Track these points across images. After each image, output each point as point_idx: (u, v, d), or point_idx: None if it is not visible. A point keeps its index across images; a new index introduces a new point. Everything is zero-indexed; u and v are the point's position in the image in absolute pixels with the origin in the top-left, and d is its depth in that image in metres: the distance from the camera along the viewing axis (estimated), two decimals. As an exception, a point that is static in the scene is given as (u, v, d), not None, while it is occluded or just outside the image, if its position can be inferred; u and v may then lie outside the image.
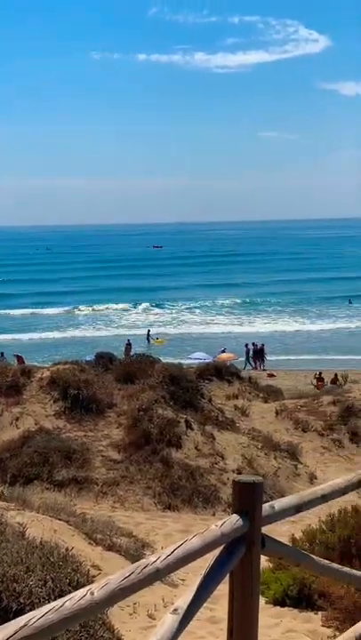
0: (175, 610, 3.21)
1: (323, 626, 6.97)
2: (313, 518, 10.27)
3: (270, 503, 4.13)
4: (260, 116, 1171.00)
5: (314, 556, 4.61)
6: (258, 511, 3.88)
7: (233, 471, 13.95)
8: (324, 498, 4.55)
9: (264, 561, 7.49)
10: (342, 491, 4.81)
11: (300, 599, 7.60)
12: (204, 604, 3.60)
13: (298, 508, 4.31)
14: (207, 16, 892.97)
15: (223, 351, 46.44)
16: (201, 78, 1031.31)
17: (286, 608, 7.59)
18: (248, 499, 3.86)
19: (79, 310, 76.18)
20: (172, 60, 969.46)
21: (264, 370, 44.42)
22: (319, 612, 7.25)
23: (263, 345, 47.36)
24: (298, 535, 9.22)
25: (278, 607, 7.66)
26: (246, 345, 47.27)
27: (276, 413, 18.44)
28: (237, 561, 3.70)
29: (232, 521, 3.65)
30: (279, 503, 4.18)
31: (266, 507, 4.03)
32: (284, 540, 9.76)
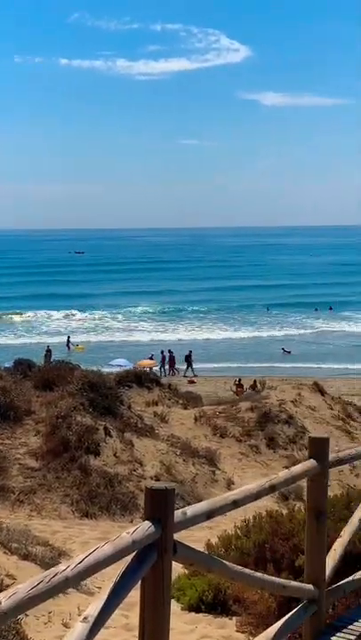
0: (85, 618, 3.20)
1: (237, 631, 7.05)
2: (229, 524, 10.39)
3: (182, 509, 4.17)
4: (182, 123, 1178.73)
5: (226, 562, 4.67)
6: (170, 518, 3.91)
7: (151, 478, 13.97)
8: (236, 503, 4.61)
9: (180, 567, 7.55)
10: (254, 496, 4.88)
11: (216, 605, 7.67)
12: (120, 612, 3.61)
13: (209, 514, 4.35)
14: (129, 23, 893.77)
15: (151, 357, 46.85)
16: (123, 85, 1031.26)
17: (202, 614, 7.64)
18: (160, 505, 3.88)
19: (-1, 317, 75.08)
20: (94, 65, 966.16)
21: (195, 376, 45.20)
22: (234, 618, 7.33)
23: (190, 352, 47.98)
24: (214, 541, 9.31)
25: (194, 613, 7.71)
26: (162, 352, 47.74)
27: (195, 420, 18.57)
28: (149, 568, 3.72)
29: (144, 528, 3.66)
30: (191, 509, 4.22)
31: (178, 513, 4.06)
32: (201, 545, 9.86)
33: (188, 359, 47.12)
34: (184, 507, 4.29)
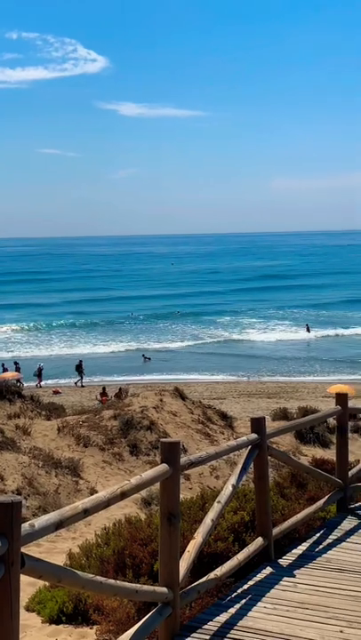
0: None
1: (97, 639, 7.06)
2: (93, 533, 10.38)
3: (30, 522, 4.15)
4: (40, 133, 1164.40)
5: (77, 571, 4.67)
6: (16, 531, 3.89)
7: (13, 492, 13.71)
8: (87, 512, 4.63)
9: (39, 580, 7.47)
10: (106, 503, 4.91)
11: (76, 615, 7.64)
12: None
13: (59, 525, 4.35)
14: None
15: (17, 369, 46.52)
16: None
17: (62, 625, 7.60)
18: (5, 519, 3.85)
19: None
20: None
21: (82, 386, 45.42)
22: (94, 626, 7.33)
23: (81, 361, 48.37)
24: (76, 551, 9.28)
25: (54, 625, 7.65)
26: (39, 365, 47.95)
27: (59, 430, 18.37)
28: (-5, 582, 3.68)
29: (-13, 543, 3.63)
30: (39, 521, 4.21)
31: (25, 526, 4.04)
32: (63, 557, 9.79)
33: (79, 368, 47.40)
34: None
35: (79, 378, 47.40)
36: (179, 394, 21.57)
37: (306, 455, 19.64)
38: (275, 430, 8.16)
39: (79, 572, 4.64)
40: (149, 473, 5.55)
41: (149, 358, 57.26)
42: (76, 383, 47.10)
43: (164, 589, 5.56)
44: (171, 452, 5.77)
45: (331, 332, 71.31)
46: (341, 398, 9.24)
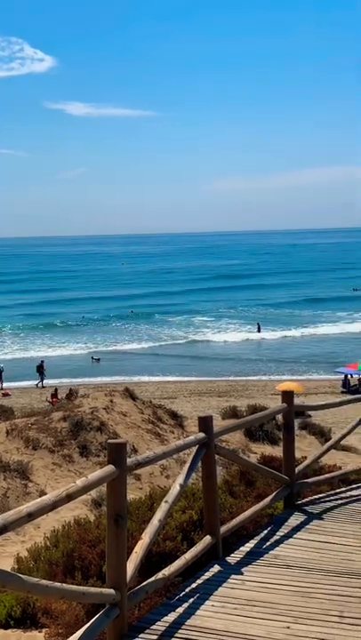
0: None
1: (45, 643, 7.01)
2: (42, 536, 10.30)
3: (-28, 527, 4.10)
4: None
5: (21, 576, 4.64)
6: None
7: None
8: (31, 516, 4.59)
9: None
10: (51, 506, 4.87)
11: (25, 619, 7.58)
12: None
13: (2, 530, 4.31)
14: None
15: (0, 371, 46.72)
16: None
17: (10, 630, 7.52)
18: None
19: None
20: None
21: (43, 387, 45.28)
22: (43, 630, 7.28)
23: (42, 361, 48.55)
24: (24, 554, 9.20)
25: (2, 630, 7.57)
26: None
27: (7, 433, 18.19)
28: None
29: None
30: (-19, 526, 4.16)
31: (-33, 531, 4.00)
32: (11, 560, 9.70)
33: (41, 369, 47.16)
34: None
35: (40, 379, 47.08)
36: (129, 394, 21.54)
37: (255, 453, 19.79)
38: (222, 429, 8.20)
39: (24, 577, 4.60)
40: (96, 474, 5.53)
41: (98, 359, 57.12)
42: (37, 385, 46.69)
43: (111, 591, 5.55)
44: (117, 453, 5.75)
45: (282, 332, 71.93)
46: (287, 396, 9.34)
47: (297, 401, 9.72)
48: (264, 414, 9.90)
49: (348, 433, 10.95)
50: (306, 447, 21.08)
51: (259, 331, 72.47)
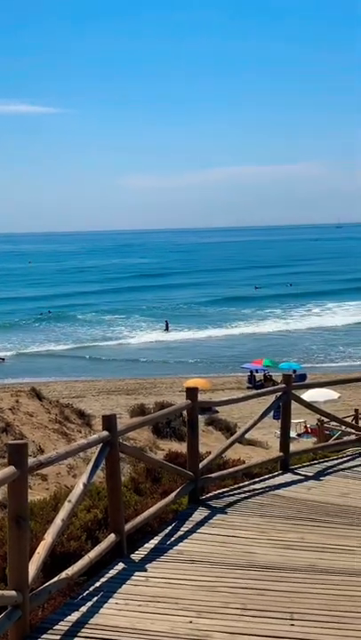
0: None
1: None
2: None
3: None
4: None
5: None
6: None
7: None
8: None
9: None
10: None
11: None
12: None
13: None
14: None
15: None
16: None
17: None
18: None
19: None
20: None
21: None
22: None
23: None
24: None
25: None
26: None
27: None
28: None
29: None
30: None
31: None
32: None
33: None
34: None
35: None
36: (36, 394, 21.29)
37: (163, 449, 19.87)
38: (126, 427, 8.21)
39: None
40: (-5, 476, 5.45)
41: (3, 359, 56.25)
42: None
43: (13, 593, 5.48)
44: (18, 454, 5.69)
45: (190, 330, 72.40)
46: (191, 392, 9.42)
47: (204, 397, 9.92)
48: (167, 411, 9.97)
49: (251, 427, 11.14)
50: (212, 442, 21.34)
51: (167, 328, 72.79)
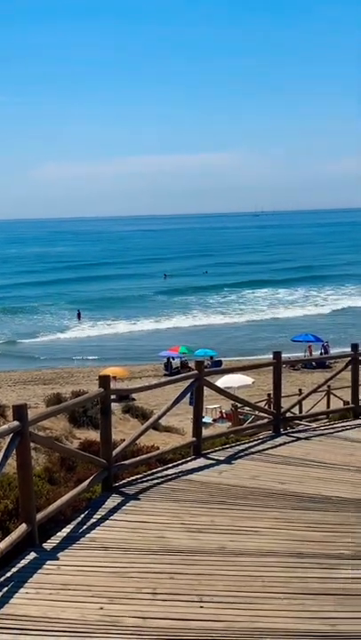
0: None
1: None
2: None
3: None
4: None
5: None
6: None
7: None
8: None
9: None
10: None
11: None
12: None
13: None
14: None
15: None
16: None
17: None
18: None
19: None
20: None
21: None
22: None
23: None
24: None
25: None
26: None
27: None
28: None
29: None
30: None
31: None
32: None
33: None
34: None
35: None
36: None
37: (79, 438, 19.78)
38: (37, 416, 8.17)
39: None
40: None
41: None
42: None
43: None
44: None
45: (105, 321, 71.60)
46: (104, 380, 9.43)
47: (122, 385, 9.92)
48: (79, 400, 9.95)
49: (164, 414, 11.24)
50: (129, 430, 21.34)
51: (79, 318, 72.20)
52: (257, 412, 16.04)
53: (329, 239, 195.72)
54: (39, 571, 6.81)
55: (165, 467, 10.69)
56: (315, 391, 15.99)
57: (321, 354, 46.98)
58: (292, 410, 15.12)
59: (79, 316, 72.73)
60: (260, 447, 12.24)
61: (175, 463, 10.94)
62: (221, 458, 11.34)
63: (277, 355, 13.46)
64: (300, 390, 29.54)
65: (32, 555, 7.21)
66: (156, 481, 9.93)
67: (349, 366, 15.10)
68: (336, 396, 27.62)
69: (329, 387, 27.35)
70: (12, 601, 6.15)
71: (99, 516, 8.39)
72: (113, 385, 9.87)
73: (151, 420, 11.21)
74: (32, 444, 7.84)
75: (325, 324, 63.91)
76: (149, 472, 10.34)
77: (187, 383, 11.68)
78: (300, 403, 18.91)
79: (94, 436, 19.36)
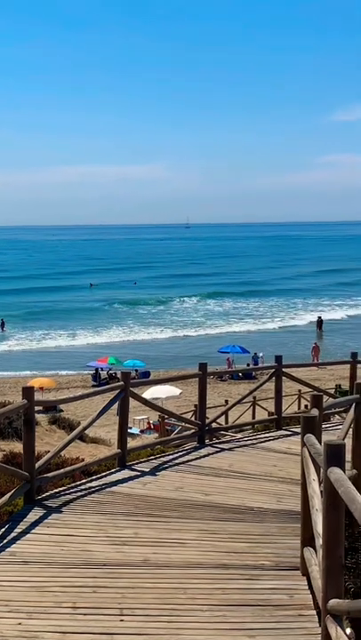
0: None
1: None
2: None
3: None
4: None
5: None
6: None
7: None
8: None
9: None
10: None
11: None
12: None
13: None
14: None
15: None
16: None
17: None
18: None
19: None
20: None
21: None
22: None
23: None
24: None
25: None
26: None
27: None
28: None
29: None
30: None
31: None
32: None
33: None
34: None
35: None
36: None
37: (4, 450, 19.47)
38: None
39: None
40: None
41: None
42: None
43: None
44: None
45: (32, 331, 70.25)
46: (28, 392, 9.30)
47: (48, 396, 9.79)
48: (0, 412, 9.77)
49: (89, 425, 11.13)
50: (55, 442, 21.11)
51: (2, 328, 70.67)
52: (183, 424, 16.06)
53: (262, 253, 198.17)
54: None
55: (90, 479, 10.59)
56: (239, 402, 16.10)
57: (248, 365, 47.43)
58: (218, 420, 15.20)
59: (2, 326, 71.37)
60: (184, 458, 12.26)
61: (100, 475, 10.85)
62: (146, 469, 11.31)
63: (203, 366, 13.52)
64: (226, 401, 29.78)
65: None
66: (80, 493, 9.83)
67: (273, 378, 15.28)
68: (261, 406, 27.95)
69: (255, 398, 27.67)
70: None
71: (19, 530, 8.24)
72: (40, 396, 9.75)
73: (75, 432, 11.09)
74: None
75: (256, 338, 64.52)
76: (73, 484, 10.23)
77: (113, 394, 11.61)
78: (225, 413, 19.03)
79: (20, 447, 19.10)
